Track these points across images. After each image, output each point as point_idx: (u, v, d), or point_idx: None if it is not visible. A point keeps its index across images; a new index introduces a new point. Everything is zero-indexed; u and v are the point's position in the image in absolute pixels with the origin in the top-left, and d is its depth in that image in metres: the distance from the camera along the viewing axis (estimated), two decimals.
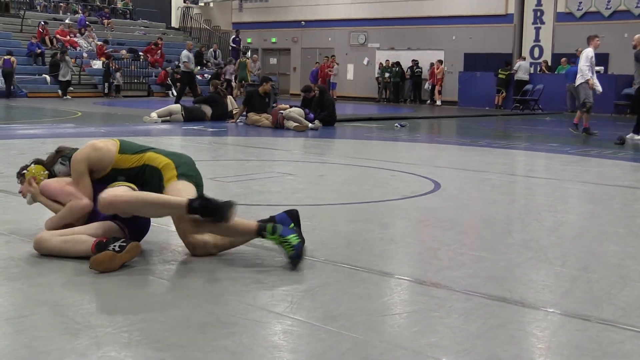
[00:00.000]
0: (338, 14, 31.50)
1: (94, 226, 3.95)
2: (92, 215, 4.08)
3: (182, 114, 14.62)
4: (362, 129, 14.61)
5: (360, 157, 9.36)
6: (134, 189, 3.99)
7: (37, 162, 4.44)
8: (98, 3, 34.33)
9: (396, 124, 15.29)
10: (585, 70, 13.53)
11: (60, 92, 23.94)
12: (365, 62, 30.81)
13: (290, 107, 14.22)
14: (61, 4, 32.82)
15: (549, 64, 25.47)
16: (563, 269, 3.95)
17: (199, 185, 4.21)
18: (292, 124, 13.45)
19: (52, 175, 4.38)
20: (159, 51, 28.99)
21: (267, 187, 6.59)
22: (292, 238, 3.84)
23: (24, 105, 19.70)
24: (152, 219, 4.24)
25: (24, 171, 4.41)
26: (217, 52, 30.28)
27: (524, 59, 25.36)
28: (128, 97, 25.39)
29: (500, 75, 24.93)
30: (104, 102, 22.12)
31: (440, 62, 27.54)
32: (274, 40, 34.06)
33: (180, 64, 27.90)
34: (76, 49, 27.42)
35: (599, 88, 13.87)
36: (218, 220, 3.79)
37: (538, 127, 17.17)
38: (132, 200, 3.81)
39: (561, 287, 3.61)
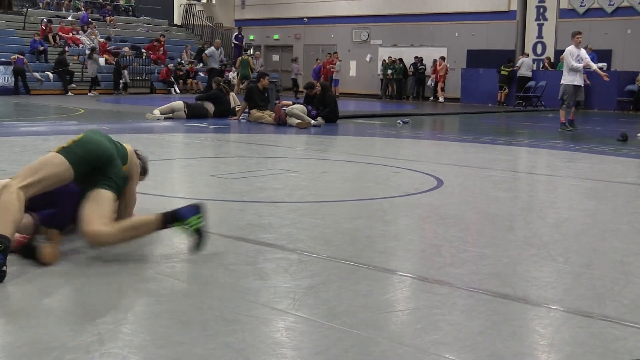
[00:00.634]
0: (341, 10, 31.47)
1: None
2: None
3: (184, 111, 14.62)
4: (365, 126, 14.61)
5: (363, 154, 9.35)
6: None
7: None
8: (101, 0, 34.33)
9: (399, 121, 15.28)
10: (576, 65, 13.57)
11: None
12: (367, 58, 30.79)
13: (293, 103, 14.22)
14: (64, 1, 32.82)
15: (552, 60, 25.42)
16: (566, 266, 3.95)
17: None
18: (294, 120, 13.45)
19: None
20: (162, 48, 28.99)
21: (269, 184, 6.59)
22: (194, 219, 3.89)
23: (27, 102, 19.71)
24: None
25: None
26: (219, 49, 30.27)
27: (527, 55, 25.32)
28: (131, 94, 25.40)
29: (502, 72, 24.90)
30: (107, 99, 22.13)
31: (443, 58, 27.52)
32: (276, 37, 34.06)
33: (182, 61, 27.98)
34: (78, 46, 27.42)
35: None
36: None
37: (541, 123, 17.16)
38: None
39: (564, 283, 3.61)
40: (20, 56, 23.16)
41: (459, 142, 11.76)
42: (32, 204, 3.92)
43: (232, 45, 30.46)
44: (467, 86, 26.34)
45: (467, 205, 5.80)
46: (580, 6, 25.45)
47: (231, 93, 16.33)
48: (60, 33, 27.65)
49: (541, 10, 26.32)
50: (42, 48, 25.49)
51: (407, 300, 3.36)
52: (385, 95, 29.24)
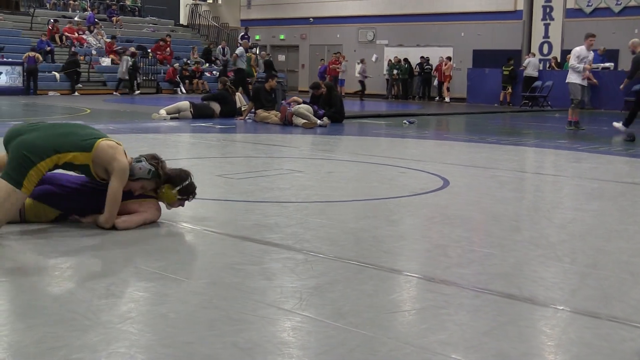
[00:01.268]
0: (347, 10, 31.45)
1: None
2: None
3: (190, 111, 14.64)
4: (371, 126, 14.60)
5: (369, 154, 9.35)
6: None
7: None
8: (107, 0, 34.39)
9: (405, 121, 15.27)
10: (577, 65, 13.56)
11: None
12: (373, 58, 30.77)
13: (302, 102, 14.21)
14: (71, 1, 32.88)
15: (559, 60, 25.37)
16: (572, 266, 3.94)
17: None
18: (300, 120, 13.45)
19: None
20: (168, 48, 29.02)
21: (275, 184, 6.59)
22: None
23: (35, 102, 19.76)
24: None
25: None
26: (225, 49, 30.30)
27: (533, 55, 25.26)
28: (141, 94, 25.44)
29: (504, 72, 24.87)
30: (113, 99, 22.16)
31: (449, 58, 27.48)
32: (282, 37, 34.07)
33: (189, 61, 27.99)
34: (84, 47, 27.47)
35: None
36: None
37: (547, 123, 17.13)
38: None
39: (571, 284, 3.60)
40: (32, 55, 23.20)
41: (465, 142, 11.75)
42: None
43: (238, 45, 30.42)
44: (473, 86, 26.29)
45: (473, 206, 5.79)
46: (587, 6, 25.39)
47: (237, 93, 16.35)
48: (66, 33, 27.71)
49: (547, 10, 26.26)
50: (49, 48, 25.56)
51: (413, 300, 3.35)
52: (391, 95, 29.22)
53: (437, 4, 28.71)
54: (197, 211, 5.15)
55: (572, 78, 13.77)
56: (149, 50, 28.26)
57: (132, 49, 26.52)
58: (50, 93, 23.52)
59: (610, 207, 5.93)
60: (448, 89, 27.42)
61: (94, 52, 27.19)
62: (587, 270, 3.84)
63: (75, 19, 29.82)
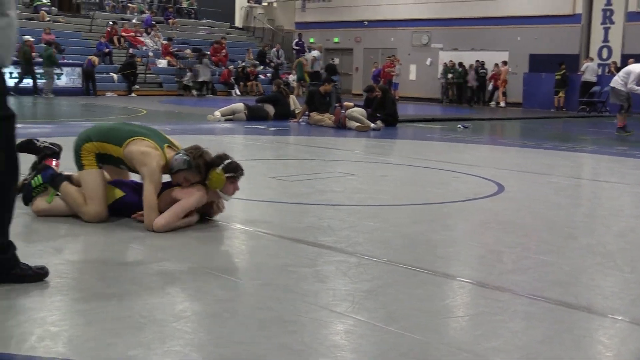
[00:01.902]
0: (401, 14, 31.33)
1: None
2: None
3: (245, 113, 14.75)
4: (424, 130, 14.52)
5: (422, 158, 9.30)
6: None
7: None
8: (163, 3, 34.90)
9: (459, 125, 15.15)
10: (637, 89, 13.15)
11: (194, 91, 25.83)
12: (428, 62, 30.59)
13: (353, 106, 14.21)
14: (130, 4, 33.48)
15: (618, 65, 24.82)
16: (632, 275, 3.85)
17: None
18: (354, 124, 13.44)
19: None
20: (223, 50, 29.31)
21: (329, 187, 6.60)
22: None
23: (93, 103, 20.16)
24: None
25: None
26: (279, 52, 30.47)
27: (592, 60, 24.79)
28: (192, 95, 25.75)
29: (556, 77, 24.48)
30: (169, 101, 22.47)
31: (505, 63, 27.14)
32: (336, 40, 34.10)
33: (244, 63, 28.22)
34: (141, 48, 27.93)
35: None
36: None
37: (605, 129, 16.78)
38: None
39: (630, 294, 3.52)
40: (90, 58, 23.79)
41: (520, 147, 11.60)
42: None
43: (294, 51, 30.60)
44: (528, 91, 25.93)
45: (528, 212, 5.71)
46: None
47: (291, 95, 16.42)
48: (124, 34, 28.21)
49: (607, 13, 25.74)
50: (107, 50, 26.06)
51: (466, 306, 3.32)
52: (445, 99, 29.01)
53: (492, 8, 28.38)
54: (250, 213, 5.18)
55: (618, 84, 13.41)
56: (207, 52, 28.56)
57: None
58: (108, 94, 23.99)
59: None
60: (504, 94, 27.09)
61: (150, 53, 27.62)
62: None
63: (133, 21, 30.34)
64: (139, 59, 26.12)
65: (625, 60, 24.13)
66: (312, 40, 33.55)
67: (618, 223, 5.37)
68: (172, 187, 4.67)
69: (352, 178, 7.27)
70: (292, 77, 27.46)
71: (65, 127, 11.58)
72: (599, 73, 24.62)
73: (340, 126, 13.65)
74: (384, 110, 14.46)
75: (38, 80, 22.33)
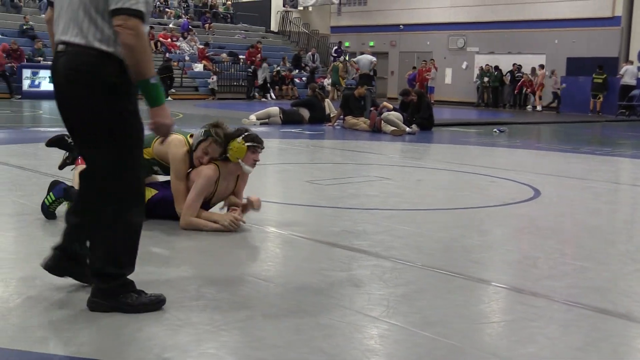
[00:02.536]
0: (437, 17, 31.19)
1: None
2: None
3: (280, 117, 14.80)
4: (460, 134, 14.44)
5: (458, 163, 9.25)
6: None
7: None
8: (200, 8, 35.16)
9: (495, 129, 15.03)
10: None
11: (257, 94, 26.36)
12: (463, 66, 30.41)
13: (390, 109, 14.18)
14: (167, 9, 33.80)
15: None
16: None
17: None
18: (389, 127, 13.41)
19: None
20: (258, 54, 29.44)
21: (363, 191, 6.60)
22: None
23: None
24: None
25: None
26: (315, 56, 30.53)
27: (631, 63, 24.41)
28: (227, 99, 25.90)
29: (596, 80, 24.13)
30: (205, 104, 22.62)
31: (542, 66, 26.86)
32: (372, 44, 34.05)
33: (279, 67, 28.31)
34: (178, 53, 28.16)
35: None
36: None
37: None
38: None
39: None
40: None
41: (557, 151, 11.47)
42: None
43: (332, 58, 30.61)
44: (566, 94, 25.63)
45: (565, 217, 5.65)
46: None
47: (326, 99, 16.44)
48: (161, 39, 28.48)
49: None
50: None
51: (502, 312, 3.30)
52: (481, 102, 28.80)
53: (529, 11, 28.12)
54: (285, 216, 5.20)
55: None
56: (241, 57, 28.72)
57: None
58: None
59: None
60: (540, 98, 26.80)
61: (187, 57, 27.85)
62: None
63: (170, 25, 30.63)
64: (175, 63, 26.33)
65: None
66: (347, 44, 33.56)
67: None
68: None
69: (387, 182, 7.26)
70: (326, 81, 27.49)
71: None
72: (639, 76, 24.24)
73: (376, 130, 13.63)
74: (420, 114, 14.42)
75: None
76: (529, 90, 26.84)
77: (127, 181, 3.04)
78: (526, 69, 27.50)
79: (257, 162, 4.82)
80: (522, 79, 26.99)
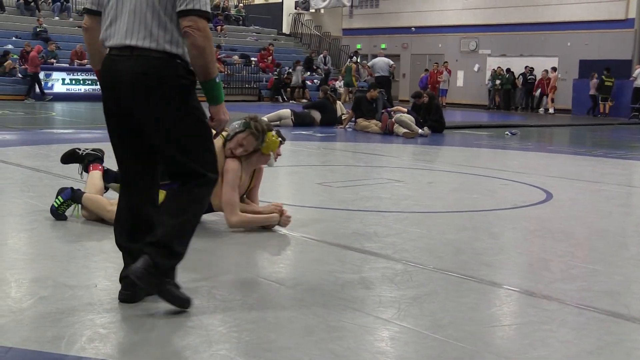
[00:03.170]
0: (449, 20, 31.15)
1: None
2: None
3: (291, 119, 14.82)
4: (472, 137, 14.41)
5: (470, 165, 9.23)
6: None
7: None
8: (212, 10, 35.23)
9: (507, 132, 14.99)
10: None
11: (285, 97, 26.82)
12: (475, 68, 30.36)
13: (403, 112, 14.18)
14: None
15: None
16: None
17: None
18: (401, 130, 13.40)
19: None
20: (270, 57, 29.49)
21: (375, 193, 6.60)
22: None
23: None
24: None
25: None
26: (327, 58, 30.54)
27: None
28: (238, 101, 25.94)
29: (607, 83, 24.04)
30: None
31: (554, 69, 26.77)
32: (383, 46, 34.02)
33: (290, 70, 28.34)
34: None
35: None
36: None
37: None
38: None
39: None
40: None
41: (569, 154, 11.43)
42: None
43: (348, 59, 30.61)
44: (578, 97, 25.52)
45: (577, 220, 5.63)
46: None
47: (338, 102, 16.44)
48: None
49: None
50: None
51: (514, 315, 3.29)
52: (492, 105, 28.72)
53: (542, 13, 28.03)
54: (296, 218, 5.19)
55: None
56: (253, 59, 28.76)
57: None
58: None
59: None
60: (552, 100, 26.72)
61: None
62: None
63: None
64: None
65: None
66: (359, 46, 33.57)
67: None
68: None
69: (398, 185, 7.25)
70: (338, 83, 27.50)
71: None
72: None
73: (388, 132, 13.62)
74: (430, 116, 14.41)
75: None
76: (548, 91, 26.64)
77: (210, 176, 3.09)
78: (538, 72, 27.42)
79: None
80: (540, 79, 26.90)
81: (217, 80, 3.00)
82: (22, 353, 2.58)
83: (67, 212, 4.84)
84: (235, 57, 28.48)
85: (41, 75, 21.86)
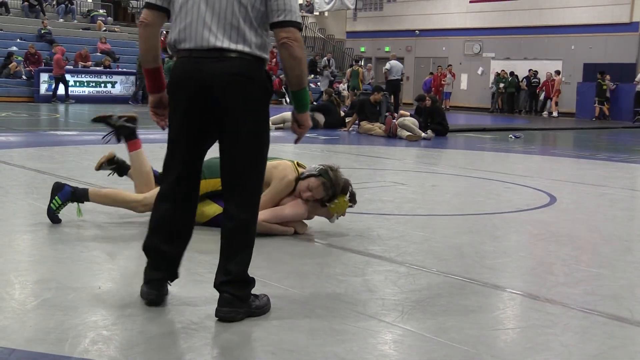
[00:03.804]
0: (453, 23, 31.16)
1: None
2: None
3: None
4: (475, 140, 14.41)
5: (473, 168, 9.22)
6: None
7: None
8: None
9: (511, 135, 14.99)
10: None
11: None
12: (479, 71, 30.35)
13: (407, 116, 14.19)
14: None
15: None
16: None
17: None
18: (405, 133, 13.41)
19: None
20: (274, 60, 29.49)
21: (378, 196, 6.60)
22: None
23: (147, 110, 20.46)
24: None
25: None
26: (330, 61, 30.55)
27: None
28: None
29: (604, 86, 24.08)
30: None
31: (558, 72, 26.75)
32: (387, 49, 34.06)
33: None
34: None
35: None
36: None
37: None
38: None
39: None
40: None
41: (573, 158, 11.42)
42: None
43: (354, 62, 30.62)
44: (582, 101, 25.51)
45: (581, 224, 5.62)
46: None
47: (342, 105, 16.46)
48: None
49: None
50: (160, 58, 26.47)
51: (517, 318, 3.29)
52: (495, 108, 28.71)
53: (546, 16, 28.02)
54: None
55: None
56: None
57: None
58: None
59: None
60: (556, 104, 26.70)
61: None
62: None
63: None
64: None
65: None
66: (363, 49, 33.58)
67: None
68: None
69: (402, 188, 7.25)
70: (342, 86, 27.50)
71: None
72: None
73: (391, 135, 13.63)
74: (434, 119, 14.42)
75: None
76: (552, 94, 26.61)
77: (261, 187, 3.18)
78: (542, 75, 27.42)
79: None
80: (544, 82, 26.89)
81: (307, 89, 3.11)
82: (26, 354, 2.59)
83: (70, 214, 4.84)
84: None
85: (44, 77, 21.92)
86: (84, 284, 3.44)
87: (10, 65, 21.96)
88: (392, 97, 19.64)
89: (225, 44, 2.96)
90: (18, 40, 24.15)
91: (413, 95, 20.30)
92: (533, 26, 28.27)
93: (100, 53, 24.55)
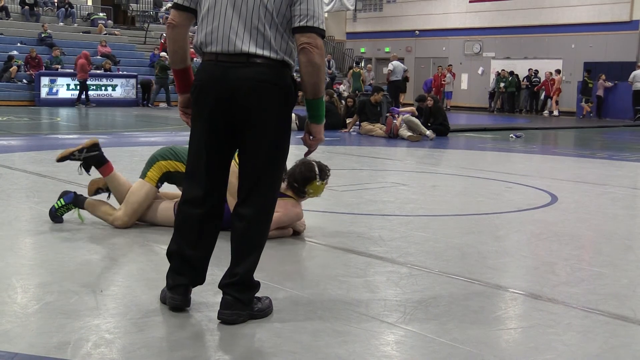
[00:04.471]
0: (453, 23, 31.17)
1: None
2: None
3: (296, 123, 14.81)
4: (476, 140, 14.40)
5: (474, 168, 9.22)
6: None
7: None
8: None
9: (511, 135, 14.98)
10: None
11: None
12: (479, 71, 30.34)
13: (415, 114, 14.20)
14: None
15: None
16: None
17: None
18: (406, 133, 13.41)
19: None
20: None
21: (379, 197, 6.60)
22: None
23: (146, 113, 20.49)
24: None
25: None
26: (330, 62, 30.56)
27: (639, 67, 24.14)
28: None
29: (590, 85, 24.18)
30: None
31: (558, 71, 26.74)
32: (387, 49, 34.08)
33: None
34: (194, 60, 28.27)
35: None
36: None
37: None
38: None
39: None
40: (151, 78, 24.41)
41: (574, 157, 11.42)
42: None
43: (355, 64, 30.62)
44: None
45: (582, 223, 5.62)
46: None
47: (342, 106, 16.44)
48: None
49: None
50: None
51: (519, 318, 3.28)
52: (495, 108, 28.69)
53: (546, 16, 28.02)
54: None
55: None
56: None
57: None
58: (161, 105, 24.36)
59: None
60: (557, 103, 26.69)
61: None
62: None
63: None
64: None
65: None
66: (363, 50, 33.58)
67: None
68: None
69: (403, 188, 7.25)
70: (342, 87, 27.50)
71: (119, 137, 11.79)
72: None
73: (392, 136, 13.63)
74: (435, 119, 14.43)
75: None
76: (552, 93, 26.60)
77: (277, 193, 3.19)
78: (542, 74, 27.41)
79: None
80: (544, 81, 26.90)
81: (323, 99, 3.07)
82: (28, 358, 2.59)
83: (71, 216, 4.85)
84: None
85: (45, 81, 21.93)
86: (86, 287, 3.44)
87: (11, 69, 21.97)
88: (395, 98, 19.67)
89: (252, 48, 2.95)
90: (18, 44, 24.16)
91: (413, 96, 20.28)
92: (533, 25, 28.27)
93: (100, 56, 24.57)
